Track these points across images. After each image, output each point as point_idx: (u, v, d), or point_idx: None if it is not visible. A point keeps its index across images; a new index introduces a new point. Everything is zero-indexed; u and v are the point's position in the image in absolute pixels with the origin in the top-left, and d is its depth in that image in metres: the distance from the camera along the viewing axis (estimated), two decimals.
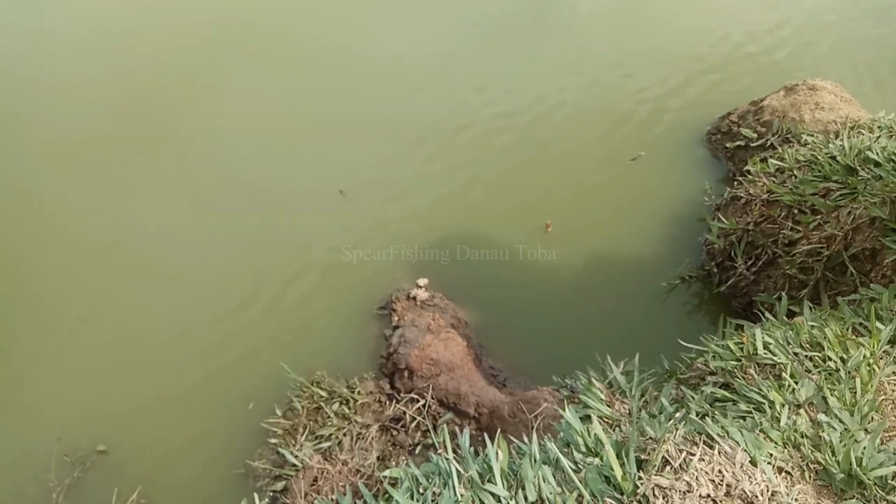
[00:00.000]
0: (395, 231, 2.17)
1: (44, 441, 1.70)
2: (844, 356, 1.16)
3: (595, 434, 1.02)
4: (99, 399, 1.79)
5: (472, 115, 2.58)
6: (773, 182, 1.92)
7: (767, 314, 1.53)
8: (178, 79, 2.76)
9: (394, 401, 1.70)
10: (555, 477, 0.96)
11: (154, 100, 2.67)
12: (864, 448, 0.94)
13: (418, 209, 2.24)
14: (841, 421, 1.02)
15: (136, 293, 2.02)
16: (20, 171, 2.42)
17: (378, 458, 1.57)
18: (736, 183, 2.10)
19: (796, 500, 0.88)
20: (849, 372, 1.12)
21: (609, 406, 1.30)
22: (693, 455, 0.93)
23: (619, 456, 0.94)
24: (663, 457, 0.92)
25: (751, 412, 1.08)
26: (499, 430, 1.41)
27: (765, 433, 1.00)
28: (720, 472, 0.90)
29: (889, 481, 0.90)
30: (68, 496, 1.62)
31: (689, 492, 0.87)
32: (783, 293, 1.70)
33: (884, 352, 1.17)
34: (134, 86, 2.74)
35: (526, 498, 0.93)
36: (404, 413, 1.66)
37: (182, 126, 2.56)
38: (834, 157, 1.84)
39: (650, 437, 1.00)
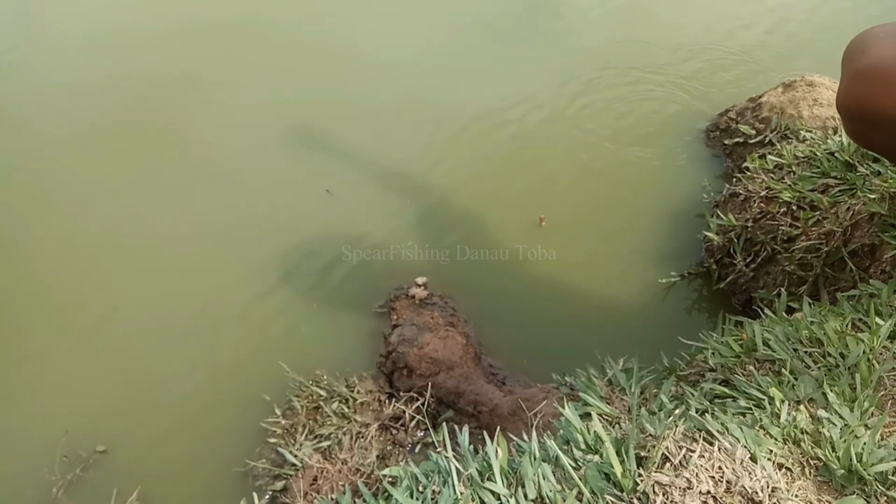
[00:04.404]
0: (394, 230, 2.17)
1: (43, 439, 1.70)
2: (844, 352, 1.16)
3: (595, 431, 1.02)
4: (98, 399, 1.79)
5: (471, 113, 2.58)
6: (772, 178, 1.92)
7: (767, 310, 1.52)
8: (179, 76, 2.77)
9: (393, 399, 1.70)
10: (554, 475, 0.96)
11: (156, 98, 2.68)
12: (865, 444, 0.93)
13: (418, 209, 2.24)
14: (841, 417, 1.02)
15: (133, 293, 2.02)
16: (22, 167, 2.42)
17: (378, 456, 1.57)
18: (735, 180, 2.10)
19: (796, 496, 0.87)
20: (848, 368, 1.12)
21: (609, 403, 1.30)
22: (693, 452, 0.92)
23: (618, 453, 0.94)
24: (663, 454, 0.92)
25: (750, 408, 1.08)
26: (498, 427, 1.40)
27: (765, 429, 1.00)
28: (720, 468, 0.90)
29: (889, 477, 0.90)
30: (68, 492, 1.61)
31: (689, 488, 0.87)
32: (782, 289, 1.69)
33: (883, 347, 1.17)
34: (136, 82, 2.75)
35: (526, 496, 0.93)
36: (404, 412, 1.66)
37: (184, 125, 2.57)
38: (832, 153, 1.84)
39: (650, 434, 0.99)
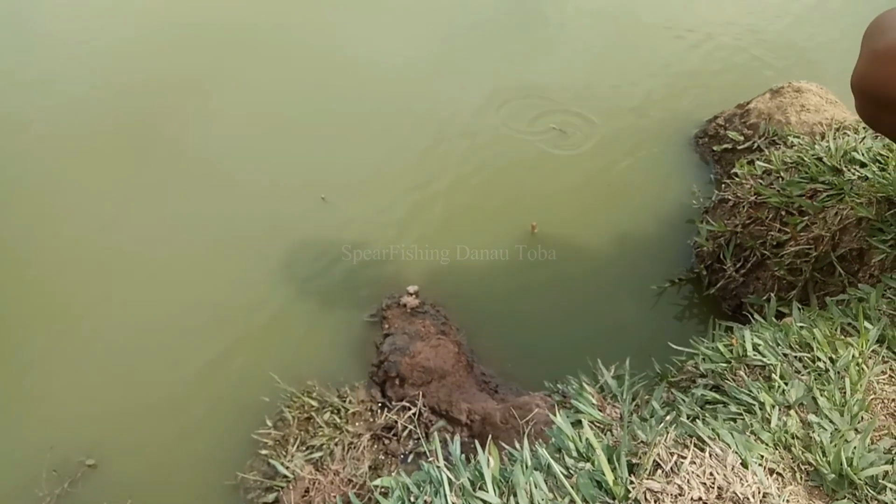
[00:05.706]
0: (387, 238, 2.17)
1: (32, 453, 1.67)
2: (833, 356, 1.16)
3: (586, 439, 1.02)
4: (87, 412, 1.77)
5: (463, 121, 2.58)
6: (761, 184, 1.93)
7: (757, 316, 1.53)
8: (175, 83, 2.77)
9: (385, 409, 1.69)
10: (546, 483, 0.95)
11: (154, 105, 2.68)
12: (855, 448, 0.94)
13: (409, 216, 2.23)
14: (831, 421, 1.02)
15: (125, 302, 2.01)
16: (21, 173, 2.41)
17: (370, 467, 1.56)
18: (723, 185, 2.11)
19: (788, 501, 0.87)
20: (838, 372, 1.13)
21: (600, 410, 1.29)
22: (684, 458, 0.92)
23: (610, 460, 0.94)
24: (654, 460, 0.92)
25: (741, 414, 1.08)
26: (490, 436, 1.40)
27: (755, 435, 1.00)
28: (711, 474, 0.90)
29: (880, 481, 0.90)
30: None
31: (680, 495, 0.86)
32: (772, 294, 1.70)
33: (872, 351, 1.17)
34: (133, 89, 2.75)
35: None
36: (396, 421, 1.65)
37: (180, 132, 2.57)
38: (820, 159, 1.85)
39: (641, 441, 0.99)
